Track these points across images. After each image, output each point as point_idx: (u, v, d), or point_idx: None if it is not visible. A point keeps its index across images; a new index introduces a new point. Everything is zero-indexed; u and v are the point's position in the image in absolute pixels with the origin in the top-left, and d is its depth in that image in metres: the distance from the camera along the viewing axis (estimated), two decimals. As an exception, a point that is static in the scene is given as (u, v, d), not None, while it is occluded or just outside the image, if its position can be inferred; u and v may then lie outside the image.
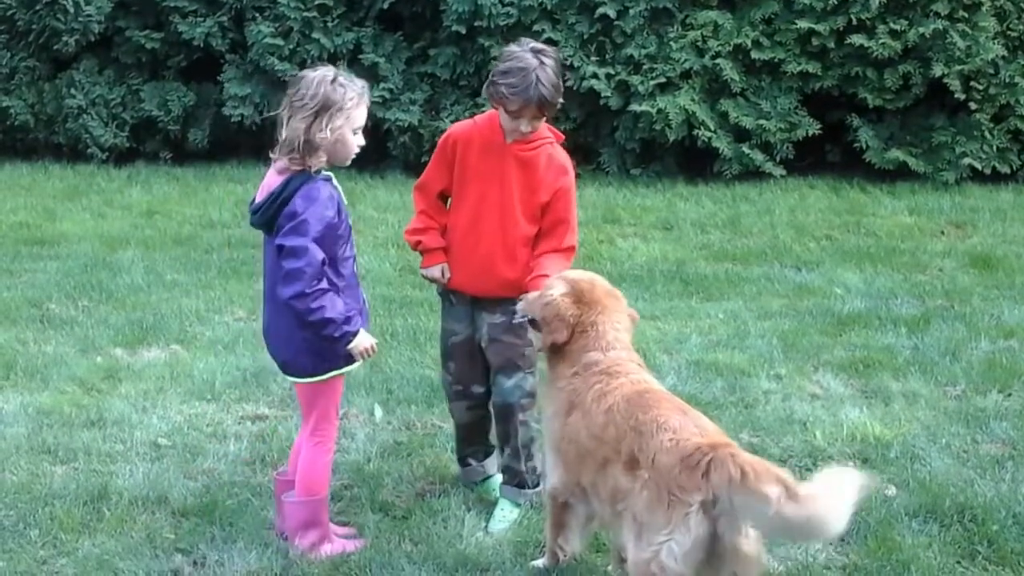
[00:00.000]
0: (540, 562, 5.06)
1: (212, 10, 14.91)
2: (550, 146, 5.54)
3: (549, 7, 13.97)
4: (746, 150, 13.66)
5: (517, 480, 5.65)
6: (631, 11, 13.82)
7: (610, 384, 4.73)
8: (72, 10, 14.71)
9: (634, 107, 13.78)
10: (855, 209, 12.16)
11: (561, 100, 5.42)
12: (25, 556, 5.01)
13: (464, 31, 14.13)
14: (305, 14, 14.47)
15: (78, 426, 6.47)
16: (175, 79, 15.14)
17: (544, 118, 5.43)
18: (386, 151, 14.88)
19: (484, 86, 5.57)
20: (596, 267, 9.91)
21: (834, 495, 4.17)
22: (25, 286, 9.36)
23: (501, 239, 5.48)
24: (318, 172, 4.93)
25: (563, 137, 5.66)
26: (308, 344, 4.97)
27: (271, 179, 4.97)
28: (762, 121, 13.66)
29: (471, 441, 5.84)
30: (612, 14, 13.83)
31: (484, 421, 5.78)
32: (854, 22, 13.35)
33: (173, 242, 10.75)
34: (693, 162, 14.10)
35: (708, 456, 4.25)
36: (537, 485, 5.63)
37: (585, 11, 14.00)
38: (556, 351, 4.96)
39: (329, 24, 14.62)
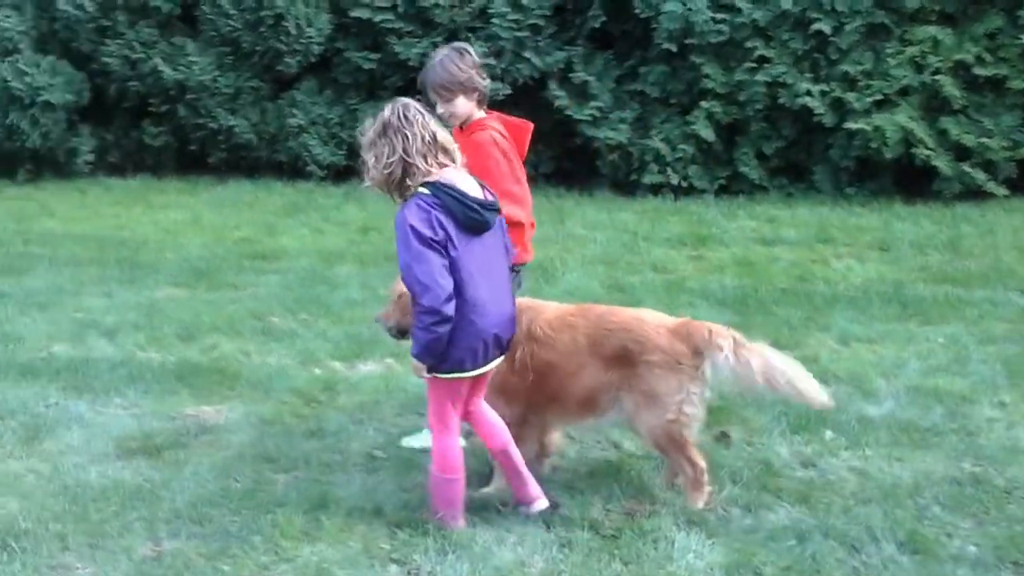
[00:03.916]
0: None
1: (427, 31, 15.25)
2: (481, 131, 6.26)
3: (762, 24, 13.84)
4: (967, 169, 13.27)
5: None
6: (847, 27, 13.59)
7: (544, 313, 5.84)
8: (295, 32, 15.23)
9: (849, 124, 13.54)
10: (1084, 231, 11.67)
11: (462, 81, 6.21)
12: (249, 562, 5.17)
13: (675, 49, 14.10)
14: (517, 34, 14.65)
15: (298, 436, 6.67)
16: (391, 98, 15.49)
17: (451, 100, 6.20)
18: (595, 169, 14.95)
19: None
20: (809, 288, 9.77)
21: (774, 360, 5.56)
22: (248, 299, 9.71)
23: None
24: None
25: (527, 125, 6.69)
26: None
27: (473, 181, 5.42)
28: (984, 139, 13.25)
29: None
30: (827, 30, 13.63)
31: None
32: (1083, 36, 12.84)
33: (386, 258, 10.98)
34: (911, 181, 13.76)
35: (692, 330, 5.63)
36: None
37: (799, 27, 13.82)
38: None
39: (540, 43, 14.77)
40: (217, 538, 5.39)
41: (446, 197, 5.22)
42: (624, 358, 5.66)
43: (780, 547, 5.22)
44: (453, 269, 5.21)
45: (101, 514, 5.59)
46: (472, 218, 5.24)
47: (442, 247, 5.19)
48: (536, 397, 5.82)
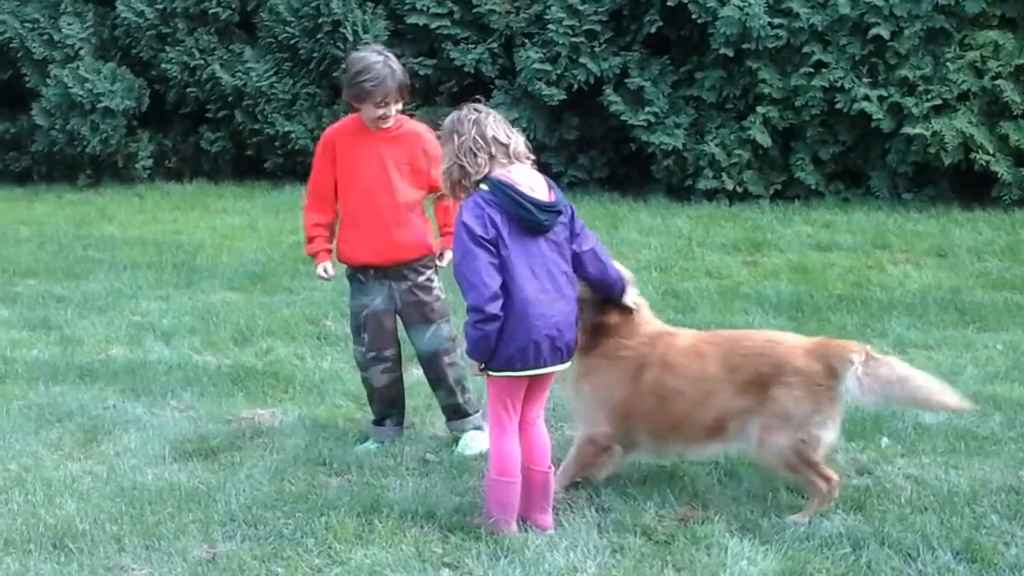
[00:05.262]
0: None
1: (483, 37, 15.29)
2: (408, 121, 6.58)
3: (820, 28, 13.76)
4: (1027, 174, 13.13)
5: (460, 413, 6.73)
6: (906, 32, 13.48)
7: (679, 340, 5.82)
8: (351, 38, 15.32)
9: (907, 130, 13.43)
10: None
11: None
12: (302, 564, 5.19)
13: (732, 54, 14.03)
14: (573, 39, 14.65)
15: (351, 440, 6.70)
16: (446, 104, 15.53)
17: (400, 100, 6.39)
18: (649, 175, 14.91)
19: (343, 93, 6.64)
20: (865, 294, 9.71)
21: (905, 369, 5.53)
22: (303, 303, 9.78)
23: (390, 210, 6.44)
24: None
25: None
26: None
27: (536, 177, 5.39)
28: (1045, 144, 13.09)
29: (390, 402, 6.75)
30: (886, 35, 13.53)
31: (398, 382, 6.77)
32: None
33: (442, 263, 11.00)
34: (969, 186, 13.63)
35: (828, 349, 5.58)
36: (477, 410, 6.73)
37: (857, 32, 13.72)
38: (601, 331, 5.79)
39: (596, 49, 14.76)
40: (271, 540, 5.41)
41: (502, 195, 5.22)
42: (759, 383, 5.60)
43: (834, 555, 5.17)
44: (503, 268, 5.21)
45: (157, 516, 5.64)
46: (525, 218, 5.23)
47: (492, 245, 5.20)
48: (652, 424, 5.80)
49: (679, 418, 5.74)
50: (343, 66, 15.59)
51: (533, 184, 5.31)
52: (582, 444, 5.91)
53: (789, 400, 5.53)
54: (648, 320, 5.93)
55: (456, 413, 6.75)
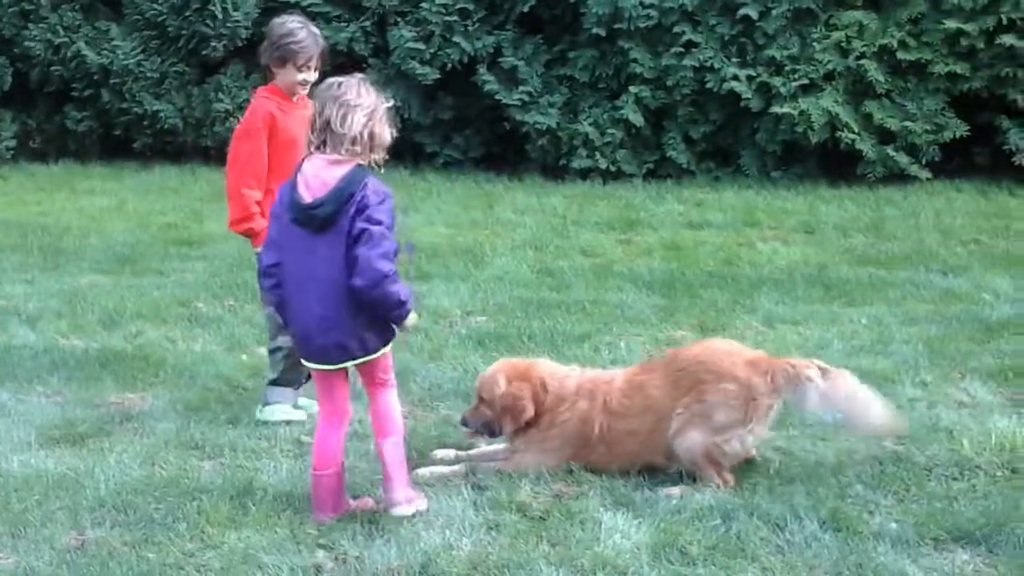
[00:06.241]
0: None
1: (356, 15, 15.17)
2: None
3: (690, 8, 13.92)
4: (891, 152, 13.44)
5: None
6: (774, 12, 13.70)
7: (614, 383, 5.86)
8: (220, 16, 15.09)
9: (775, 109, 13.66)
10: (1004, 213, 11.86)
11: None
12: (174, 549, 5.11)
13: (604, 34, 14.14)
14: (446, 18, 14.61)
15: (224, 422, 6.61)
16: (318, 83, 15.35)
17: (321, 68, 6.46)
18: (524, 154, 14.96)
19: (263, 58, 6.68)
20: (735, 271, 9.87)
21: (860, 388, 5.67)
22: (174, 285, 9.62)
23: None
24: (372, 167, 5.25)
25: None
26: (369, 324, 5.20)
27: (324, 173, 5.12)
28: (907, 123, 13.42)
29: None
30: (754, 15, 13.73)
31: None
32: (1004, 22, 13.06)
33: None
34: (835, 165, 13.92)
35: (774, 365, 5.64)
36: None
37: (726, 12, 13.91)
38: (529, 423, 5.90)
39: (470, 28, 14.74)
40: (141, 526, 5.32)
41: (287, 183, 5.27)
42: (698, 389, 5.68)
43: (706, 526, 5.25)
44: (279, 252, 5.25)
45: (23, 503, 5.51)
46: (286, 212, 5.18)
47: (276, 223, 5.26)
48: (607, 462, 5.85)
49: (636, 452, 5.83)
50: (212, 44, 15.41)
51: (312, 180, 5.12)
52: (510, 470, 5.91)
53: (720, 405, 5.62)
54: (565, 376, 5.98)
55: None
